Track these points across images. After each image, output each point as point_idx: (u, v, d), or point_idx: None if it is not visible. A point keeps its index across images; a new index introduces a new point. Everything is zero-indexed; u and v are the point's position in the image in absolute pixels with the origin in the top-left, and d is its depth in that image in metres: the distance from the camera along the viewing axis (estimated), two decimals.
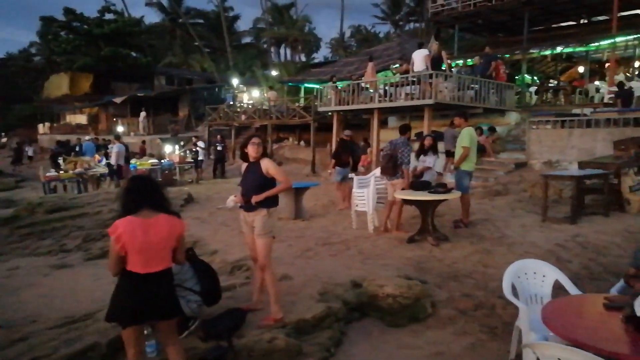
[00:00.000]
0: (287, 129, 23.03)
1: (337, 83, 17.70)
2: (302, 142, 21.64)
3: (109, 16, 38.70)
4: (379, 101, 15.28)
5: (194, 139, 20.22)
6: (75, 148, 19.58)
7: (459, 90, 14.17)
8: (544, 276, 3.96)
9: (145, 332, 3.37)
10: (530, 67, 20.94)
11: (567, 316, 3.14)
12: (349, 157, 10.24)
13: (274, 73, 36.46)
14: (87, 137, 20.91)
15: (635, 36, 15.20)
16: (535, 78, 21.36)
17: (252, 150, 4.24)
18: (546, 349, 2.77)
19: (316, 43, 53.15)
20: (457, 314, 4.64)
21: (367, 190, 7.69)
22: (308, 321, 4.21)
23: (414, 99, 14.01)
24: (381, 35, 53.40)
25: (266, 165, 4.21)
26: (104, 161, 15.58)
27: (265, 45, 47.55)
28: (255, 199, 4.11)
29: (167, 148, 21.44)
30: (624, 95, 11.94)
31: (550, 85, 18.17)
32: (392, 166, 7.20)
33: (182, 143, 23.09)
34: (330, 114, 17.84)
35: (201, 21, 45.52)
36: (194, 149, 18.34)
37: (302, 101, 23.42)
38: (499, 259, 5.75)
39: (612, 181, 7.71)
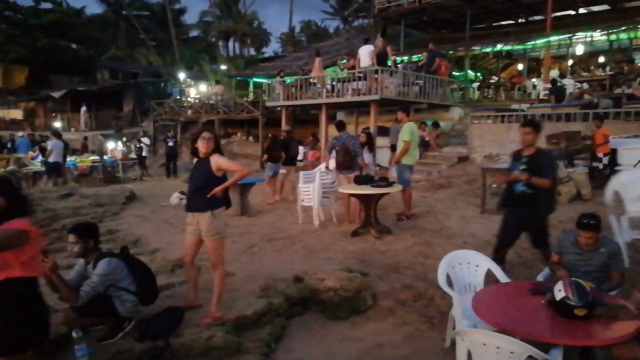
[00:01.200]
0: (236, 124, 22.74)
1: (286, 78, 17.65)
2: (250, 138, 21.43)
3: (45, 5, 36.77)
4: (327, 96, 15.36)
5: (140, 134, 19.52)
6: (7, 145, 18.52)
7: (404, 86, 14.44)
8: (477, 266, 4.11)
9: (75, 335, 3.23)
10: (473, 63, 21.63)
11: (494, 303, 3.28)
12: (280, 153, 10.41)
13: (223, 67, 35.90)
14: (20, 133, 19.84)
15: (568, 35, 16.00)
16: (478, 74, 22.10)
17: (202, 146, 4.05)
18: (473, 335, 2.88)
19: (266, 37, 52.72)
20: (397, 305, 4.74)
21: (312, 185, 7.71)
22: (248, 317, 4.18)
23: (360, 94, 14.18)
24: (331, 30, 53.72)
25: (216, 161, 4.00)
26: (39, 158, 14.83)
27: (213, 39, 46.66)
28: (216, 190, 3.93)
29: (110, 144, 20.68)
30: (556, 91, 12.56)
31: (491, 81, 18.84)
32: (349, 159, 7.52)
33: (124, 139, 22.34)
34: (279, 108, 17.77)
35: (146, 13, 44.07)
36: (137, 145, 17.76)
37: (250, 96, 23.21)
38: (438, 250, 5.91)
39: None
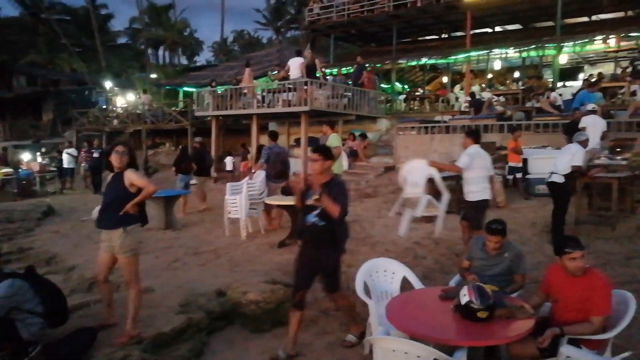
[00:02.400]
0: (164, 134, 22.15)
1: (218, 87, 17.46)
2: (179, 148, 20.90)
3: None
4: (258, 107, 15.35)
5: (65, 144, 18.21)
6: None
7: (334, 98, 14.73)
8: (393, 273, 4.26)
9: None
10: (400, 76, 22.44)
11: (406, 310, 3.41)
12: (191, 164, 10.58)
13: (152, 76, 34.88)
14: None
15: (486, 51, 17.03)
16: (405, 86, 22.96)
17: (115, 160, 3.93)
18: (382, 342, 2.99)
19: (198, 46, 51.85)
20: (320, 315, 4.80)
21: (239, 197, 7.66)
22: (167, 334, 4.09)
23: (291, 105, 14.29)
24: (264, 40, 53.72)
25: (129, 176, 3.91)
26: None
27: (142, 47, 45.25)
28: (127, 207, 3.85)
29: (25, 155, 19.42)
30: (476, 104, 13.29)
31: (417, 93, 19.61)
32: (284, 170, 7.88)
33: (43, 150, 21.08)
34: (208, 118, 17.52)
35: (68, 18, 41.95)
36: (56, 157, 16.77)
37: (180, 105, 22.71)
38: (361, 259, 6.01)
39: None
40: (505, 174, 9.72)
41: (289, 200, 6.73)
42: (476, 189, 5.67)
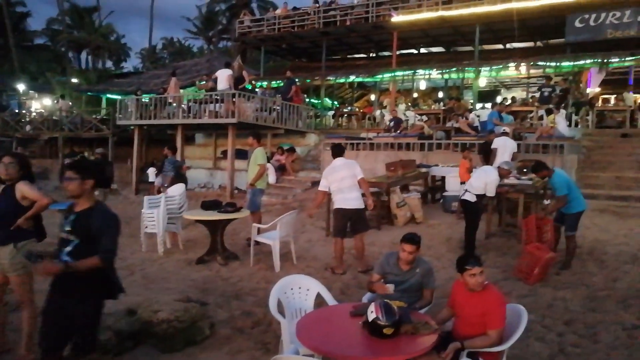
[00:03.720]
0: (83, 142, 21.01)
1: (144, 96, 16.90)
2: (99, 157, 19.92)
3: None
4: (183, 117, 15.00)
5: None
6: None
7: (263, 111, 14.70)
8: (307, 290, 4.26)
9: None
10: (330, 92, 22.84)
11: (316, 327, 3.42)
12: None
13: (74, 80, 33.06)
14: None
15: (411, 72, 17.74)
16: (335, 102, 23.37)
17: (1, 172, 3.68)
18: None
19: (125, 52, 49.95)
20: (235, 333, 4.71)
21: (157, 211, 7.39)
22: (67, 358, 3.82)
23: (218, 116, 14.10)
24: (195, 49, 52.71)
25: (21, 189, 3.67)
26: None
27: (63, 49, 42.87)
28: (19, 222, 3.60)
29: None
30: (397, 122, 13.76)
31: (345, 110, 20.01)
32: (181, 181, 8.13)
33: None
34: (132, 127, 16.87)
35: None
36: None
37: (102, 113, 21.70)
38: (281, 275, 6.00)
39: (384, 198, 8.75)
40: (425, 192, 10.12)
41: (209, 215, 6.60)
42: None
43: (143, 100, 16.24)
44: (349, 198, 6.23)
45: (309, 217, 6.75)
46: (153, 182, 15.88)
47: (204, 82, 16.69)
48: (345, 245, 6.42)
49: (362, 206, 6.37)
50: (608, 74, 15.72)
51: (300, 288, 4.25)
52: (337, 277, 6.14)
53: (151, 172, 16.05)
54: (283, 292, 4.12)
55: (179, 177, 8.44)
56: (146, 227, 7.48)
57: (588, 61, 14.69)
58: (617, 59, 14.25)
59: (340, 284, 5.85)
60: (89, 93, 27.02)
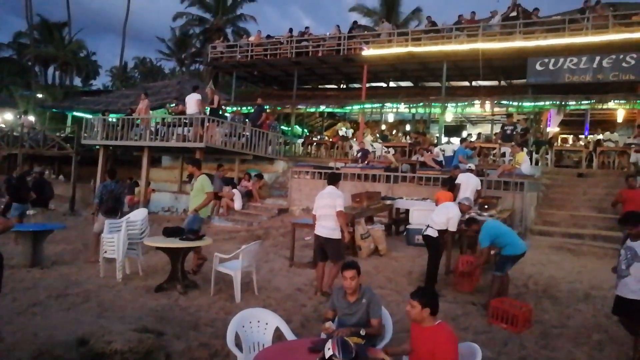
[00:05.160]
0: (45, 160, 20.44)
1: (111, 115, 16.66)
2: (61, 176, 19.41)
3: None
4: (151, 139, 14.83)
5: None
6: None
7: (232, 136, 14.69)
8: (266, 323, 4.22)
9: None
10: (300, 120, 23.06)
11: None
12: (29, 193, 10.69)
13: (39, 95, 32.32)
14: None
15: (380, 105, 18.14)
16: (305, 130, 23.58)
17: None
18: None
19: (94, 69, 49.31)
20: None
21: (118, 235, 7.23)
22: None
23: (186, 140, 14.01)
24: (166, 70, 52.54)
25: None
26: None
27: (29, 63, 41.98)
28: None
29: None
30: (364, 153, 13.98)
31: (314, 139, 20.20)
32: (115, 206, 8.48)
33: None
34: (97, 147, 16.56)
35: None
36: None
37: (67, 130, 21.23)
38: (241, 305, 5.95)
39: (348, 228, 8.78)
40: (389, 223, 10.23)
41: (170, 243, 6.50)
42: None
43: (110, 119, 16.00)
44: (323, 225, 6.51)
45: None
46: None
47: (174, 105, 16.65)
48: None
49: (336, 236, 6.48)
50: (566, 115, 16.45)
51: (259, 322, 4.21)
52: (298, 309, 6.10)
53: None
54: (241, 325, 4.07)
55: (112, 202, 8.46)
56: (105, 252, 7.28)
57: (547, 102, 15.39)
58: (573, 102, 14.96)
59: (300, 316, 5.81)
60: (54, 110, 26.46)
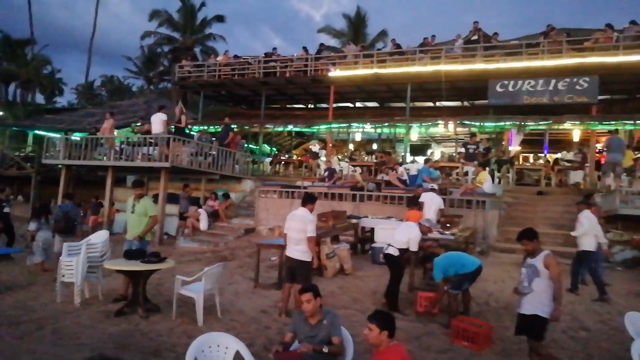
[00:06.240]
0: (4, 180, 19.76)
1: (75, 134, 16.34)
2: (19, 197, 18.81)
3: None
4: (115, 159, 14.59)
5: None
6: None
7: (198, 156, 14.60)
8: (226, 348, 4.18)
9: None
10: (269, 139, 23.10)
11: None
12: None
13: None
14: None
15: (347, 125, 18.38)
16: (274, 149, 23.62)
17: None
18: None
19: (58, 86, 48.26)
20: None
21: (77, 259, 7.04)
22: None
23: (151, 160, 13.85)
24: (134, 88, 51.81)
25: None
26: None
27: None
28: None
29: None
30: (331, 172, 14.10)
31: (282, 157, 20.26)
32: (69, 225, 9.04)
33: None
34: (59, 167, 16.17)
35: None
36: None
37: (28, 149, 20.68)
38: (204, 329, 5.86)
39: (316, 249, 8.81)
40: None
41: (131, 266, 6.38)
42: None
43: (73, 139, 15.69)
44: (295, 248, 6.48)
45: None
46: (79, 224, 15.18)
47: (139, 125, 16.46)
48: None
49: (305, 259, 6.45)
50: (527, 135, 17.03)
51: (219, 346, 4.17)
52: (261, 331, 6.06)
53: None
54: (200, 350, 4.02)
55: (64, 222, 8.41)
56: (63, 275, 7.08)
57: (508, 123, 15.90)
58: (532, 123, 15.51)
59: (264, 339, 5.77)
60: (15, 128, 25.69)
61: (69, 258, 7.16)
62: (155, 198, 14.80)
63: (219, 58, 21.12)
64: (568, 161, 15.94)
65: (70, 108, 36.53)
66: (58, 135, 16.63)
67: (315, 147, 17.58)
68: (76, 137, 16.04)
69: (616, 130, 13.53)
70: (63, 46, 71.85)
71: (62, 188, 15.48)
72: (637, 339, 4.24)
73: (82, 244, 7.32)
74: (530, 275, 4.77)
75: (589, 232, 8.28)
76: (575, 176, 14.59)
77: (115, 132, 16.19)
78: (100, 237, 7.88)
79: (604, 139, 14.61)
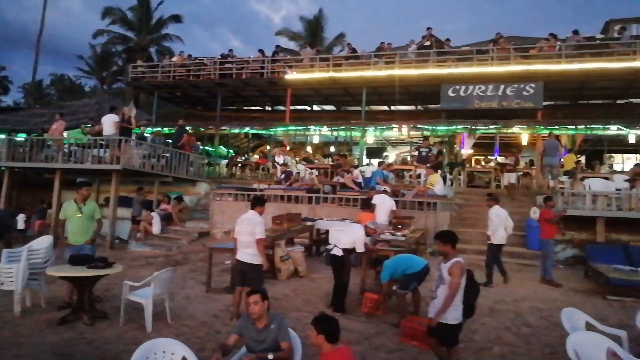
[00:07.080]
0: None
1: (19, 135, 15.63)
2: None
3: None
4: (64, 161, 14.08)
5: None
6: None
7: (151, 158, 14.28)
8: (172, 354, 4.11)
9: None
10: (226, 141, 22.84)
11: None
12: None
13: None
14: None
15: (304, 127, 18.42)
16: (230, 151, 23.37)
17: None
18: None
19: (3, 85, 46.11)
20: None
21: (17, 266, 6.75)
22: None
23: (101, 162, 13.45)
24: (87, 88, 50.08)
25: None
26: None
27: None
28: None
29: None
30: (287, 175, 14.11)
31: (239, 160, 20.08)
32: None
33: None
34: (2, 168, 15.44)
35: None
36: None
37: None
38: (153, 336, 5.72)
39: (268, 252, 8.78)
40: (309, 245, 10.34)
41: (76, 272, 6.17)
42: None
43: (17, 139, 15.03)
44: (243, 252, 6.46)
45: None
46: (23, 230, 14.58)
47: (90, 126, 15.95)
48: None
49: (255, 262, 6.44)
50: (478, 138, 17.57)
51: (164, 352, 4.09)
52: (212, 336, 5.99)
53: (20, 218, 14.76)
54: (145, 357, 3.94)
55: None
56: (2, 283, 6.77)
57: (460, 127, 16.37)
58: (483, 127, 16.03)
59: (214, 344, 5.69)
60: None
61: (9, 265, 6.85)
62: (107, 201, 14.43)
63: (174, 59, 20.74)
64: (500, 164, 16.49)
65: (17, 108, 34.95)
66: (1, 136, 15.85)
67: (280, 158, 17.22)
68: (20, 137, 15.37)
69: (550, 134, 13.99)
70: (9, 43, 68.61)
71: (4, 191, 14.83)
72: (572, 333, 4.45)
73: (23, 250, 7.02)
74: (437, 281, 4.69)
75: (498, 226, 9.06)
76: (510, 177, 15.16)
77: (65, 134, 15.62)
78: (43, 242, 7.57)
79: None
